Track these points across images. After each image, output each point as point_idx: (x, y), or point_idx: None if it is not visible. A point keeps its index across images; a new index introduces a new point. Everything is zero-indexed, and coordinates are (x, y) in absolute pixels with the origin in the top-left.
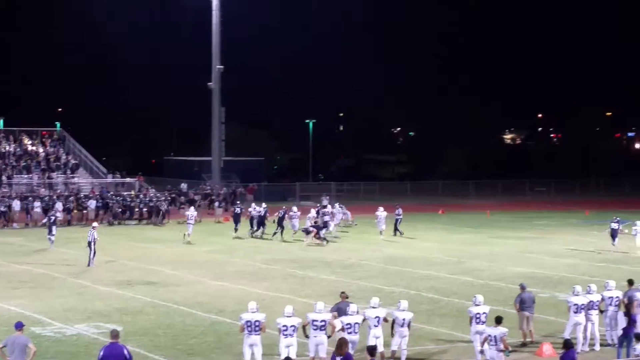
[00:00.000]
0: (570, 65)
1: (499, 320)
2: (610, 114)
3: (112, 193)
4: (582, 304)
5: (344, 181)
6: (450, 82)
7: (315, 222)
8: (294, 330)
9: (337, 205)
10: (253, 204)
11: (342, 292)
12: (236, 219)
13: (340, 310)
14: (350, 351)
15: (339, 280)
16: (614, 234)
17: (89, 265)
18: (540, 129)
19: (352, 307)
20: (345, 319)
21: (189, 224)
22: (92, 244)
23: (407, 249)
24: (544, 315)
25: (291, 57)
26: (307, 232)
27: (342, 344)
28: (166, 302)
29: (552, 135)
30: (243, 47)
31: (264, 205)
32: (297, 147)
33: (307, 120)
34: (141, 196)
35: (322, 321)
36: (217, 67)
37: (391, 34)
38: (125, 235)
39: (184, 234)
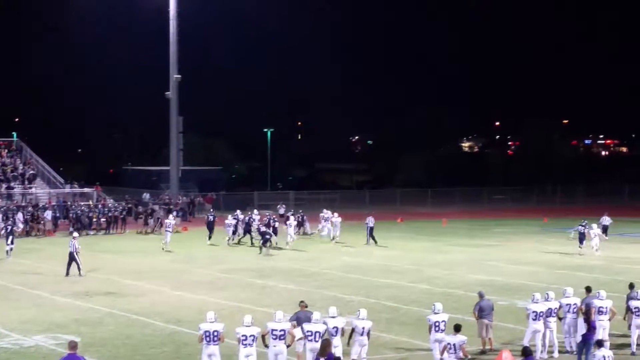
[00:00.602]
0: (527, 73)
1: (457, 329)
2: (566, 121)
3: (74, 203)
4: (541, 311)
5: (303, 190)
6: (408, 91)
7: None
8: (253, 340)
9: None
10: (238, 211)
11: (302, 301)
12: (210, 226)
13: (299, 319)
14: None
15: (299, 290)
16: (581, 238)
17: (66, 274)
18: (497, 137)
19: (316, 315)
20: (308, 327)
21: (168, 231)
22: (75, 253)
23: (367, 258)
24: (503, 323)
25: (249, 66)
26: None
27: (325, 345)
28: (125, 312)
29: (509, 143)
30: (200, 56)
31: (256, 212)
32: (256, 156)
33: (265, 129)
34: (100, 206)
35: (281, 330)
36: (174, 76)
37: (349, 42)
38: (82, 246)
39: (162, 243)
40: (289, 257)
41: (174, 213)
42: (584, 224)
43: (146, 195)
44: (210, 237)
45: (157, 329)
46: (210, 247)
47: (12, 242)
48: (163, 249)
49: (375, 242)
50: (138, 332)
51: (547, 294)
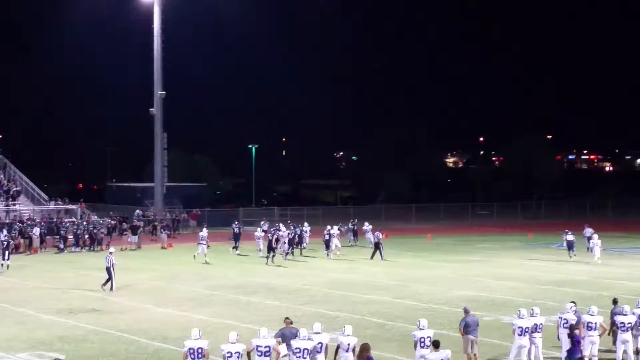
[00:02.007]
0: (511, 89)
1: (436, 345)
2: (550, 136)
3: (62, 220)
4: (527, 327)
5: (288, 206)
6: (392, 106)
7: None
8: (238, 357)
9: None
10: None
11: (287, 318)
12: (236, 238)
13: (284, 336)
14: None
15: (283, 306)
16: (570, 246)
17: (111, 289)
18: (482, 152)
19: (303, 332)
20: (295, 344)
21: (202, 244)
22: (111, 268)
23: (352, 273)
24: (489, 339)
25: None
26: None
27: (363, 349)
28: (109, 329)
29: (493, 158)
30: (185, 73)
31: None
32: (240, 173)
33: (250, 146)
34: (84, 223)
35: (266, 347)
36: (158, 92)
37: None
38: (66, 263)
39: (194, 255)
40: (273, 273)
41: (160, 230)
42: (568, 232)
43: (139, 213)
44: (237, 248)
45: (141, 346)
46: (194, 264)
47: (8, 258)
48: (206, 261)
49: (377, 256)
50: (123, 349)
51: (532, 309)
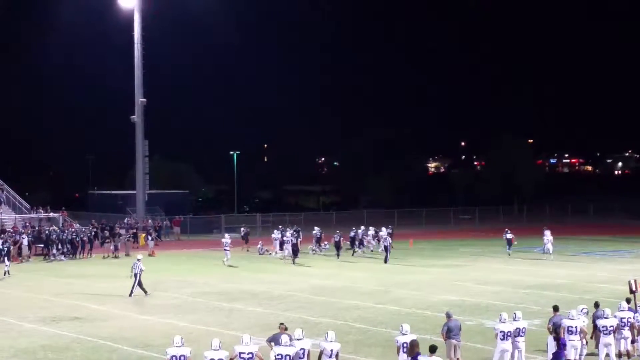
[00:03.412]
0: (492, 93)
1: (433, 350)
2: (531, 141)
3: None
4: (509, 331)
5: (269, 212)
6: (374, 112)
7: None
8: None
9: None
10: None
11: (281, 324)
12: (294, 248)
13: (276, 340)
14: None
15: (266, 312)
16: (509, 243)
17: (130, 295)
18: (463, 157)
19: (284, 338)
20: (278, 350)
21: (226, 250)
22: (139, 275)
23: (334, 279)
24: (471, 343)
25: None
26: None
27: (413, 345)
28: (92, 337)
29: (475, 163)
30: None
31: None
32: (222, 179)
33: (232, 152)
34: (66, 231)
35: (249, 353)
36: (140, 100)
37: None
38: (48, 271)
39: (224, 260)
40: (256, 279)
41: (149, 237)
42: (508, 231)
43: (129, 220)
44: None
45: (124, 354)
46: (177, 271)
47: (7, 264)
48: (227, 265)
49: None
50: (105, 357)
51: (514, 313)
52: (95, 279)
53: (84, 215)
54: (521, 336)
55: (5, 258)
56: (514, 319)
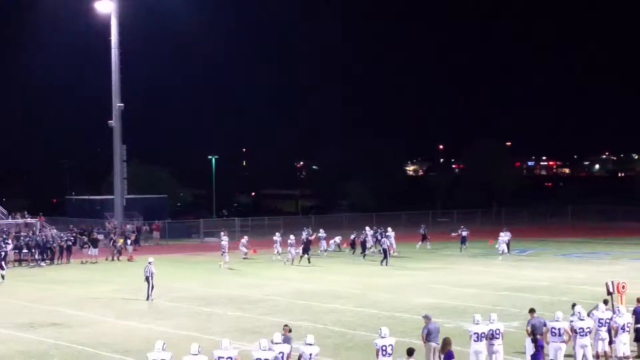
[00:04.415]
0: (470, 97)
1: (410, 353)
2: (509, 143)
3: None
4: (482, 332)
5: (248, 216)
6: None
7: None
8: None
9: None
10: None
11: (285, 325)
12: (306, 246)
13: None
14: None
15: (245, 316)
16: (463, 241)
17: (147, 299)
18: (441, 160)
19: (263, 342)
20: (256, 354)
21: (225, 253)
22: (150, 278)
23: (313, 283)
24: None
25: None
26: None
27: (446, 343)
28: (71, 343)
29: (453, 166)
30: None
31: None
32: (201, 184)
33: (210, 157)
34: (43, 236)
35: (228, 358)
36: (117, 105)
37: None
38: (25, 277)
39: (220, 264)
40: (235, 284)
41: (128, 242)
42: (463, 228)
43: (114, 222)
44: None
45: None
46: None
47: (4, 268)
48: (221, 266)
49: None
50: None
51: (490, 315)
52: (73, 285)
53: (62, 220)
54: (497, 338)
55: (2, 262)
56: (490, 321)
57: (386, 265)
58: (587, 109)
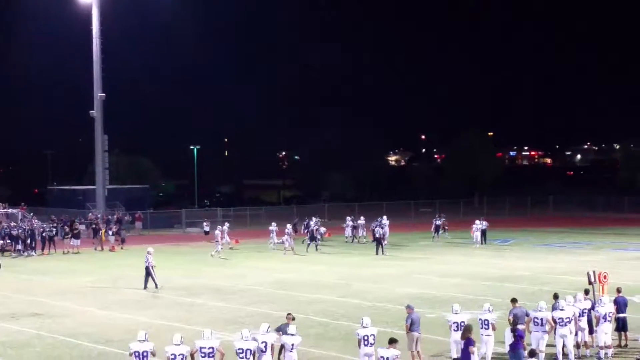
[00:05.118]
0: (451, 87)
1: (391, 342)
2: (491, 134)
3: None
4: (462, 322)
5: (230, 207)
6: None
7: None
8: (182, 359)
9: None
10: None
11: (289, 314)
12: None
13: (283, 330)
14: None
15: (228, 307)
16: (437, 229)
17: (144, 288)
18: (424, 150)
19: (245, 332)
20: (238, 344)
21: (217, 242)
22: (151, 268)
23: (296, 273)
24: (432, 336)
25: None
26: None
27: (466, 329)
28: (52, 333)
29: (435, 156)
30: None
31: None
32: (183, 174)
33: (192, 147)
34: (27, 226)
35: (209, 348)
36: (98, 95)
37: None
38: (6, 267)
39: (211, 254)
40: (218, 274)
41: (110, 232)
42: (442, 217)
43: (96, 212)
44: (316, 247)
45: (85, 350)
46: (137, 267)
47: None
48: (216, 257)
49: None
50: (66, 353)
51: (484, 305)
52: (55, 275)
53: (44, 210)
54: (485, 329)
55: None
56: (484, 311)
57: (383, 254)
58: (569, 100)
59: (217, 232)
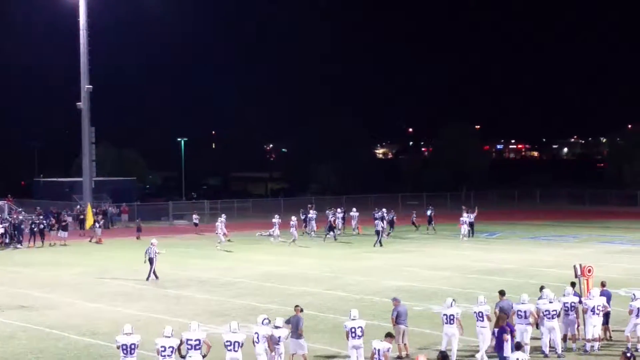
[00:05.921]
0: (439, 80)
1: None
2: (479, 127)
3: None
4: (452, 315)
5: (218, 199)
6: (321, 98)
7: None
8: (172, 351)
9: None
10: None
11: (297, 306)
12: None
13: (291, 322)
14: None
15: (214, 299)
16: (430, 221)
17: (147, 279)
18: (411, 143)
19: (233, 325)
20: (227, 337)
21: (218, 233)
22: (154, 259)
23: (283, 266)
24: (419, 328)
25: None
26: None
27: (499, 318)
28: (38, 326)
29: (422, 149)
30: (113, 66)
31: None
32: (170, 166)
33: (179, 139)
34: (16, 218)
35: (196, 340)
36: (85, 87)
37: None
38: None
39: (216, 247)
40: (204, 266)
41: (97, 224)
42: (431, 208)
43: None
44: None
45: (71, 342)
46: (124, 259)
47: None
48: (219, 249)
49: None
50: (52, 345)
51: (477, 298)
52: (41, 267)
53: (30, 202)
54: (481, 320)
55: None
56: (479, 304)
57: (380, 246)
58: (556, 93)
59: (218, 223)
